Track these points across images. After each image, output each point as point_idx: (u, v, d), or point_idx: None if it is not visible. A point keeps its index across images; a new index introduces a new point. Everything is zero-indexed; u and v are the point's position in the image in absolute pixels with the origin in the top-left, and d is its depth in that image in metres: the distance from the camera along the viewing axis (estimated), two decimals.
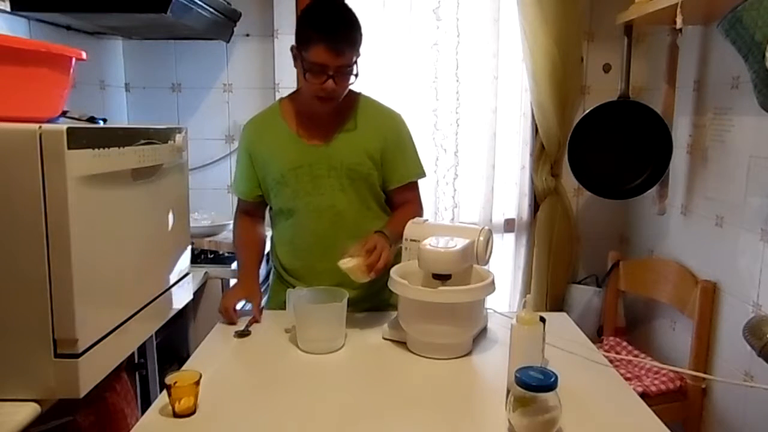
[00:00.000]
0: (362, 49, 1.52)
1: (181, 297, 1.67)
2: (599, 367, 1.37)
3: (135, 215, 1.36)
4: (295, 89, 1.73)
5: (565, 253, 2.73)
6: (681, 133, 2.29)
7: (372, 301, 1.67)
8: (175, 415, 1.13)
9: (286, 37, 2.62)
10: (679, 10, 1.83)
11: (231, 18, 2.50)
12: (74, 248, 1.09)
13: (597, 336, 2.60)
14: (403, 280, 1.40)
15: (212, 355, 1.42)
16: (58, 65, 1.26)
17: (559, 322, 1.64)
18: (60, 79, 1.27)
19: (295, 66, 1.54)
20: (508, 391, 1.11)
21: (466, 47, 2.62)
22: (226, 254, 2.32)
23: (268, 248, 1.82)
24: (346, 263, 1.44)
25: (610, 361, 1.41)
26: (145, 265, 1.44)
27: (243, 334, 1.52)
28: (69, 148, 1.07)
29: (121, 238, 1.30)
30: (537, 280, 2.71)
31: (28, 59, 1.17)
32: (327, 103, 1.53)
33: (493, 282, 1.41)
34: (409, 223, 1.54)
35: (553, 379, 1.04)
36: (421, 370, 1.36)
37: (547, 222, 2.68)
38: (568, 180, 2.60)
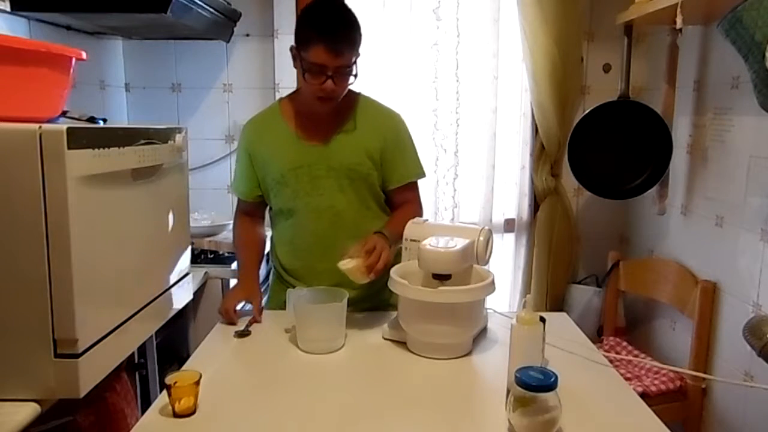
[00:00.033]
0: (362, 49, 1.52)
1: (181, 297, 1.67)
2: (599, 367, 1.37)
3: (135, 215, 1.36)
4: (294, 89, 1.73)
5: (565, 253, 2.73)
6: (681, 133, 2.29)
7: (372, 301, 1.67)
8: (175, 415, 1.13)
9: (286, 37, 2.62)
10: (679, 10, 1.83)
11: (231, 18, 2.50)
12: (74, 248, 1.09)
13: (597, 336, 2.60)
14: (403, 280, 1.40)
15: (212, 355, 1.42)
16: (58, 65, 1.26)
17: (559, 322, 1.64)
18: (60, 79, 1.27)
19: (295, 66, 1.54)
20: (508, 391, 1.11)
21: (466, 47, 2.62)
22: (226, 254, 2.32)
23: (268, 248, 1.82)
24: (346, 264, 1.44)
25: (610, 361, 1.41)
26: (145, 265, 1.44)
27: (243, 334, 1.52)
28: (69, 148, 1.07)
29: (121, 238, 1.30)
30: (537, 280, 2.71)
31: (28, 59, 1.17)
32: (326, 103, 1.53)
33: (493, 282, 1.41)
34: (409, 223, 1.54)
35: (553, 379, 1.04)
36: (421, 370, 1.36)
37: (547, 222, 2.68)
38: (568, 180, 2.60)
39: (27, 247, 1.07)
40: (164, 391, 1.15)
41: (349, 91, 1.58)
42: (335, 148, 1.60)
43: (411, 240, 1.50)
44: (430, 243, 1.39)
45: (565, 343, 1.46)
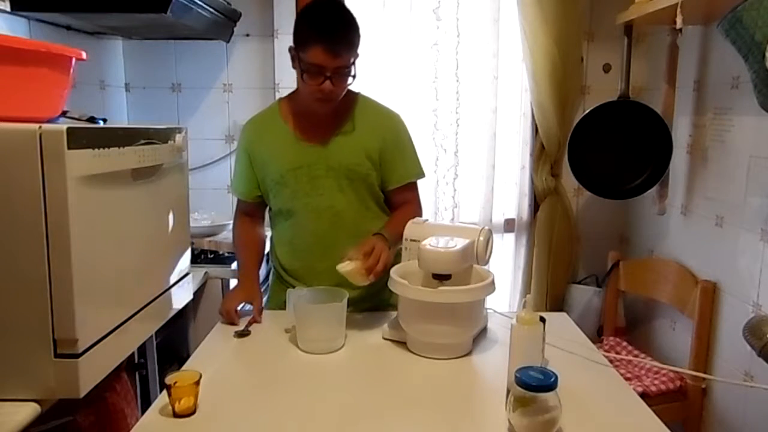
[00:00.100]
0: (362, 49, 1.51)
1: (181, 297, 1.67)
2: (599, 367, 1.37)
3: (135, 215, 1.36)
4: (293, 89, 1.73)
5: (565, 253, 2.73)
6: (681, 133, 2.29)
7: (372, 301, 1.67)
8: (175, 415, 1.13)
9: (286, 37, 2.62)
10: (679, 10, 1.83)
11: (231, 18, 2.50)
12: (74, 248, 1.09)
13: (597, 336, 2.60)
14: (403, 280, 1.40)
15: (212, 355, 1.42)
16: (58, 65, 1.26)
17: (559, 322, 1.64)
18: (60, 79, 1.27)
19: (293, 67, 1.54)
20: (508, 391, 1.11)
21: (466, 47, 2.62)
22: (226, 254, 2.32)
23: (267, 249, 1.82)
24: (345, 267, 1.43)
25: (610, 361, 1.41)
26: (145, 265, 1.44)
27: (243, 334, 1.52)
28: (69, 148, 1.07)
29: (121, 238, 1.30)
30: (537, 280, 2.71)
31: (28, 59, 1.17)
32: (325, 104, 1.53)
33: (493, 282, 1.41)
34: (409, 223, 1.54)
35: (553, 379, 1.04)
36: (421, 370, 1.36)
37: (547, 222, 2.68)
38: (568, 180, 2.60)
39: (27, 247, 1.07)
40: (164, 391, 1.15)
41: (349, 91, 1.58)
42: (334, 148, 1.60)
43: (411, 240, 1.50)
44: (430, 243, 1.38)
45: (565, 343, 1.46)
